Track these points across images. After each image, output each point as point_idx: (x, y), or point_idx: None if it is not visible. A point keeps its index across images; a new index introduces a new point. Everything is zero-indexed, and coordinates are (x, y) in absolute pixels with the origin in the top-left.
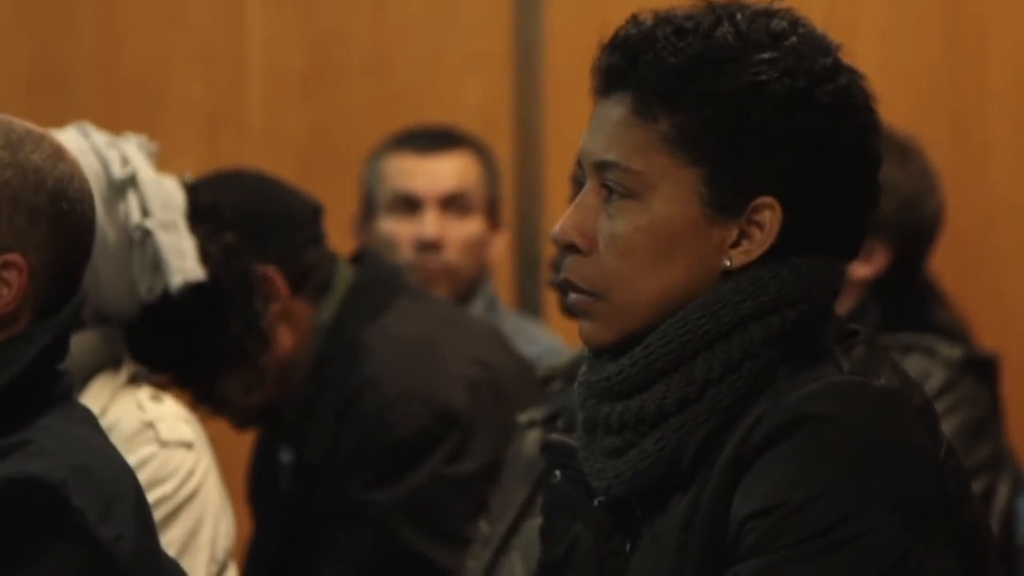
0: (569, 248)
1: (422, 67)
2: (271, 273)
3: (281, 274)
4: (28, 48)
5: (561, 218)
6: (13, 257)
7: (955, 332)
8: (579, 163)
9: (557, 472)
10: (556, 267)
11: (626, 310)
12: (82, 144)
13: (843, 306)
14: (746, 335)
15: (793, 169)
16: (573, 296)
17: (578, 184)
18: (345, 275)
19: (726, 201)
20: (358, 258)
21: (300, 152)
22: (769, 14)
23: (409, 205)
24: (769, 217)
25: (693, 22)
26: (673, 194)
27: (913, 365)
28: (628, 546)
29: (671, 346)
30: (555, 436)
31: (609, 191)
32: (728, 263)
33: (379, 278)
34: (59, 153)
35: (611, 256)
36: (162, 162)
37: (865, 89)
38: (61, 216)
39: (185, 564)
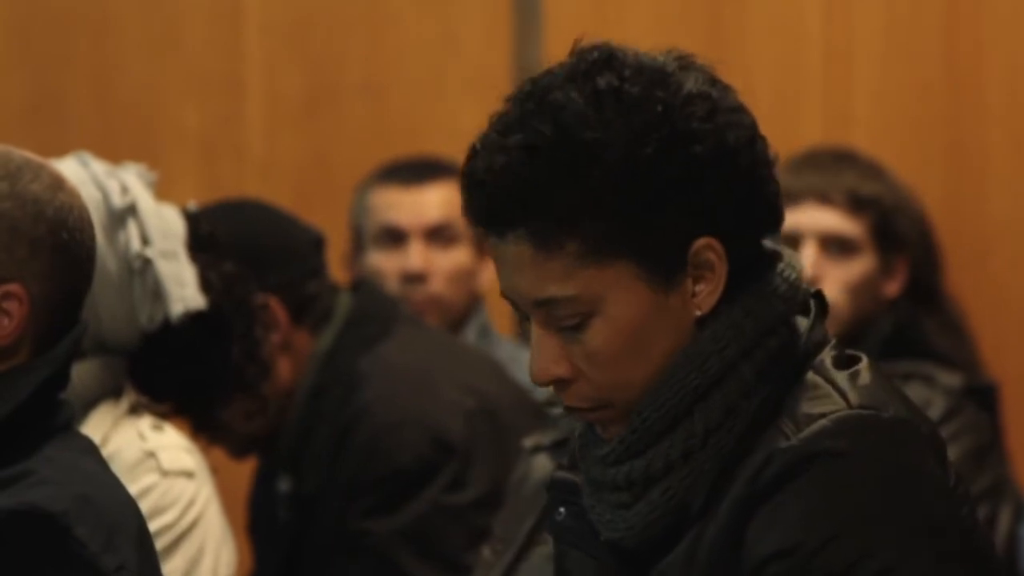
0: (556, 382)
1: (420, 92)
2: (272, 303)
3: (282, 304)
4: (25, 75)
5: (530, 360)
6: (14, 288)
7: (955, 359)
8: (509, 298)
9: (561, 509)
10: None
11: (631, 402)
12: (81, 174)
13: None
14: (739, 376)
15: (702, 203)
16: (586, 416)
17: (519, 310)
18: (344, 305)
19: (666, 269)
20: (354, 288)
21: (298, 178)
22: (588, 76)
23: (394, 238)
24: (711, 255)
25: (532, 136)
26: (619, 295)
27: (913, 394)
28: None
29: (666, 408)
30: (560, 473)
31: (562, 321)
32: (699, 312)
33: (374, 308)
34: (58, 183)
35: (597, 372)
36: (160, 189)
37: (726, 97)
38: (61, 246)
39: None
